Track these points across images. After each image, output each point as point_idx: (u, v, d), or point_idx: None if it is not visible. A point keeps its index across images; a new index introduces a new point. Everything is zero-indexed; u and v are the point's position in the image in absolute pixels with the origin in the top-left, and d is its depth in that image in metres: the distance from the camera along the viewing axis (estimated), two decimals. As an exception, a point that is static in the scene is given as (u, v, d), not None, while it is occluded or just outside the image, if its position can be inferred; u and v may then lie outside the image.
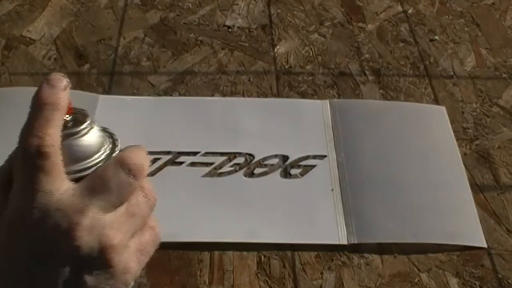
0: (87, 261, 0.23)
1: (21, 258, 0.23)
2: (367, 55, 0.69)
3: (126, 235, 0.25)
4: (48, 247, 0.23)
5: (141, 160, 0.26)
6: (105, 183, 0.24)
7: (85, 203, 0.24)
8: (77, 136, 0.25)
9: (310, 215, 0.53)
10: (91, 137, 0.25)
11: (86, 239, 0.23)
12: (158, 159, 0.56)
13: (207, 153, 0.57)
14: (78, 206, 0.24)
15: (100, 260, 0.24)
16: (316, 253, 0.51)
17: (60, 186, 0.24)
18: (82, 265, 0.23)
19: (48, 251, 0.23)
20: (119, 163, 0.25)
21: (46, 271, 0.23)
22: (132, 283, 0.26)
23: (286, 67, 0.67)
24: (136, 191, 0.26)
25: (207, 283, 0.49)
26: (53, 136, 0.24)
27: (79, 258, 0.23)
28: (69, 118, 0.25)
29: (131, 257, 0.25)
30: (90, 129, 0.25)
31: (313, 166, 0.57)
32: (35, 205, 0.23)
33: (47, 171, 0.24)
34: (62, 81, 0.26)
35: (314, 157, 0.58)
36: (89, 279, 0.23)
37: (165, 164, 0.56)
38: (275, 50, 0.69)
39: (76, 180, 0.25)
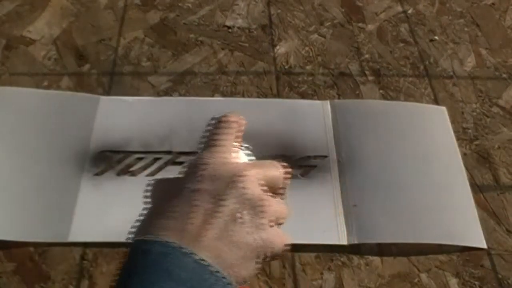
0: (248, 201, 0.30)
1: (203, 193, 0.30)
2: (367, 55, 0.69)
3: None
4: (224, 187, 0.30)
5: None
6: (260, 163, 0.34)
7: (248, 166, 0.32)
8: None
9: (310, 215, 0.53)
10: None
11: (250, 184, 0.30)
12: (159, 158, 0.57)
13: (207, 154, 0.57)
14: (244, 165, 0.32)
15: (258, 205, 0.30)
16: (316, 253, 0.51)
17: (234, 154, 0.34)
18: (244, 203, 0.30)
19: (223, 190, 0.30)
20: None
21: (220, 204, 0.29)
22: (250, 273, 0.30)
23: (286, 67, 0.67)
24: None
25: (207, 283, 0.49)
26: (240, 125, 0.36)
27: (244, 197, 0.30)
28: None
29: (274, 229, 0.32)
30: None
31: (313, 167, 0.57)
32: (218, 154, 0.32)
33: (231, 135, 0.34)
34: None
35: (315, 157, 0.58)
36: (246, 216, 0.29)
37: (166, 164, 0.56)
38: (275, 50, 0.69)
39: None
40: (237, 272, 0.29)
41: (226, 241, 0.29)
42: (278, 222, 0.33)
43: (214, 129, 0.35)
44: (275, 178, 0.34)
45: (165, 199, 0.31)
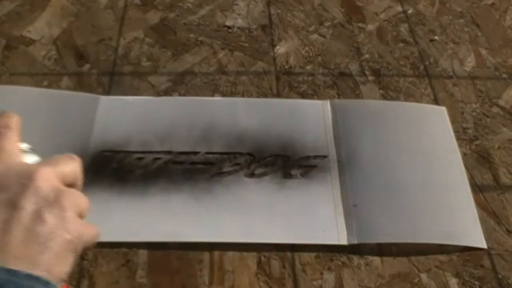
0: (46, 200, 0.29)
1: None
2: (367, 55, 0.69)
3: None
4: (16, 191, 0.29)
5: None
6: (51, 160, 0.33)
7: (39, 165, 0.31)
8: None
9: (310, 215, 0.53)
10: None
11: (45, 182, 0.30)
12: (159, 158, 0.57)
13: (207, 153, 0.57)
14: (34, 165, 0.31)
15: (57, 201, 0.30)
16: (316, 253, 0.51)
17: (19, 156, 0.32)
18: (42, 204, 0.29)
19: (16, 195, 0.29)
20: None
21: (17, 210, 0.28)
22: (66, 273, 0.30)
23: (286, 67, 0.67)
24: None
25: (207, 283, 0.49)
26: (15, 125, 0.34)
27: (41, 196, 0.29)
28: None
29: (80, 221, 0.31)
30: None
31: (313, 167, 0.57)
32: (1, 160, 0.31)
33: (10, 138, 0.32)
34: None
35: (315, 157, 0.58)
36: (48, 216, 0.29)
37: (166, 164, 0.56)
38: (275, 50, 0.69)
39: None
40: (56, 270, 0.28)
41: (34, 244, 0.28)
42: (81, 214, 0.32)
43: None
44: (69, 171, 0.33)
45: None
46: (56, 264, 0.28)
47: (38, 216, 0.29)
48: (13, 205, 0.29)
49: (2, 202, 0.29)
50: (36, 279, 0.27)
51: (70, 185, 0.33)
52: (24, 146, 0.34)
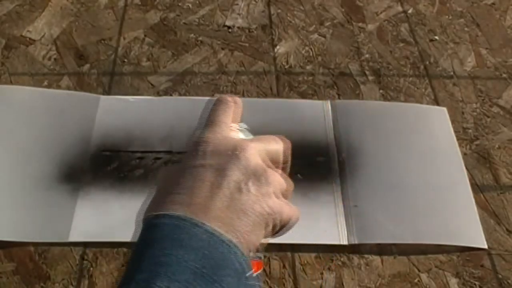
0: (252, 172, 0.31)
1: (207, 167, 0.31)
2: (367, 55, 0.69)
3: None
4: (226, 160, 0.31)
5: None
6: (260, 138, 0.35)
7: (248, 141, 0.33)
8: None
9: (310, 215, 0.53)
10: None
11: (251, 156, 0.32)
12: (159, 158, 0.57)
13: (207, 153, 0.57)
14: (244, 140, 0.34)
15: (261, 175, 0.31)
16: (316, 253, 0.51)
17: (235, 131, 0.35)
18: (248, 173, 0.31)
19: (226, 163, 0.31)
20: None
21: (224, 176, 0.31)
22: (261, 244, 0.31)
23: (286, 67, 0.67)
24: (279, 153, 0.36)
25: (207, 283, 0.49)
26: (237, 105, 0.37)
27: (247, 168, 0.31)
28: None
29: (280, 199, 0.33)
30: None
31: (313, 167, 0.57)
32: (219, 131, 0.34)
33: (230, 113, 0.36)
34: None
35: (315, 157, 0.58)
36: (250, 187, 0.31)
37: (166, 164, 0.56)
38: (275, 50, 0.69)
39: None
40: (248, 239, 0.29)
41: (234, 210, 0.30)
42: (284, 195, 0.34)
43: (213, 109, 0.37)
44: (275, 151, 0.35)
45: (171, 178, 0.32)
46: (250, 232, 0.30)
47: (240, 186, 0.31)
48: (221, 171, 0.31)
49: (213, 166, 0.31)
50: (228, 243, 0.28)
51: (276, 165, 0.35)
52: (241, 125, 0.38)
